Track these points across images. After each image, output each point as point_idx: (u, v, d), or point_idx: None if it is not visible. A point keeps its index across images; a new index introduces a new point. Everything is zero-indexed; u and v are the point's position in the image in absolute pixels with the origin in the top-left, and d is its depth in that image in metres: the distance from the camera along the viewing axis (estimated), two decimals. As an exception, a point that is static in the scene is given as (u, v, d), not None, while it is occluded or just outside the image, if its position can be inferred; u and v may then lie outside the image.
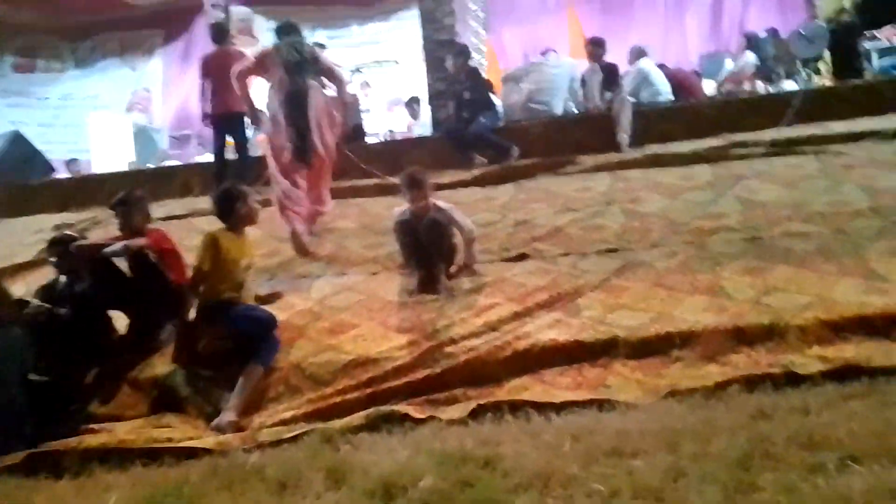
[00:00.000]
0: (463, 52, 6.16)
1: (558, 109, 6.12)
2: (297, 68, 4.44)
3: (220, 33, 6.20)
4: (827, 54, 6.78)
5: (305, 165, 4.39)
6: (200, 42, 12.70)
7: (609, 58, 6.08)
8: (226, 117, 5.86)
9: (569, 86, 6.19)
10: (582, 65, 6.47)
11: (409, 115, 9.15)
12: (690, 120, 5.73)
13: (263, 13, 12.52)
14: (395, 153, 6.22)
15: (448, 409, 2.60)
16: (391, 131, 10.67)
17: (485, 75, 8.55)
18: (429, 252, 3.53)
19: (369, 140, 7.58)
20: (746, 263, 3.30)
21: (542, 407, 2.47)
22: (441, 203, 3.63)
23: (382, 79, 12.55)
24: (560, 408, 2.44)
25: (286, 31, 4.71)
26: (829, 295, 2.84)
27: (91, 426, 2.74)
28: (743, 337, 2.72)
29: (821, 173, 4.33)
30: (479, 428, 2.39)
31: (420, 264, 3.58)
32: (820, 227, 3.63)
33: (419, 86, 10.57)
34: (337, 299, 3.61)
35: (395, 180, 5.39)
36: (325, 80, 4.60)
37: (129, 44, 13.45)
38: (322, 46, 5.97)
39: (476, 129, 5.70)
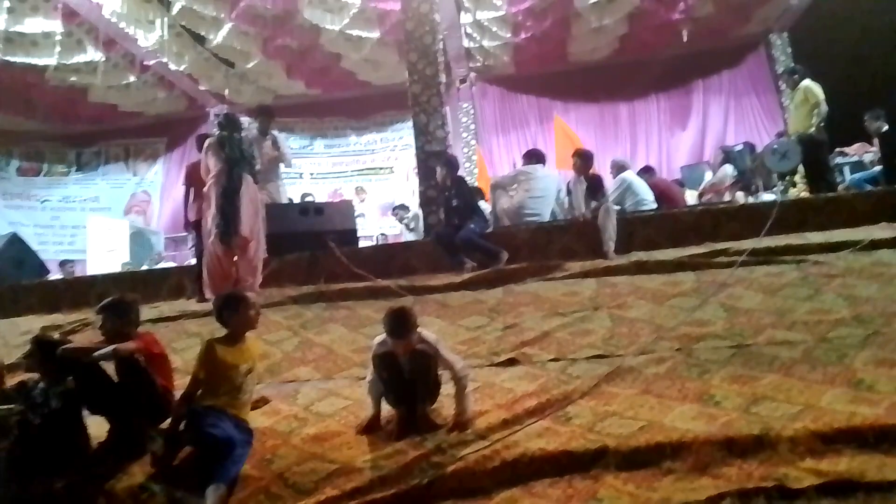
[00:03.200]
0: (450, 164, 6.44)
1: (546, 217, 6.32)
2: (235, 164, 5.39)
3: (202, 142, 6.46)
4: (802, 168, 7.12)
5: (228, 247, 5.36)
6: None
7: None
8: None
9: (556, 195, 6.43)
10: (567, 174, 6.77)
11: (396, 220, 9.44)
12: (673, 227, 5.92)
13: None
14: (387, 256, 6.35)
15: (436, 523, 2.52)
16: (384, 234, 10.92)
17: (475, 183, 8.90)
18: (412, 388, 3.13)
19: (363, 244, 7.74)
20: (734, 371, 3.31)
21: (531, 521, 2.39)
22: (425, 333, 3.27)
23: (377, 185, 13.02)
24: (550, 523, 2.37)
25: (229, 126, 5.60)
26: (818, 404, 2.84)
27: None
28: (734, 448, 2.68)
29: (802, 282, 4.43)
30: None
31: (400, 401, 3.17)
32: (804, 335, 3.67)
33: (411, 192, 10.98)
34: (323, 405, 3.56)
35: (386, 283, 5.52)
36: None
37: (134, 150, 13.97)
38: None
39: (465, 235, 5.86)
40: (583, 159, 6.23)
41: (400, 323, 3.17)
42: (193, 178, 6.12)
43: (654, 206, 6.54)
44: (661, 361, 3.56)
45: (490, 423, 3.04)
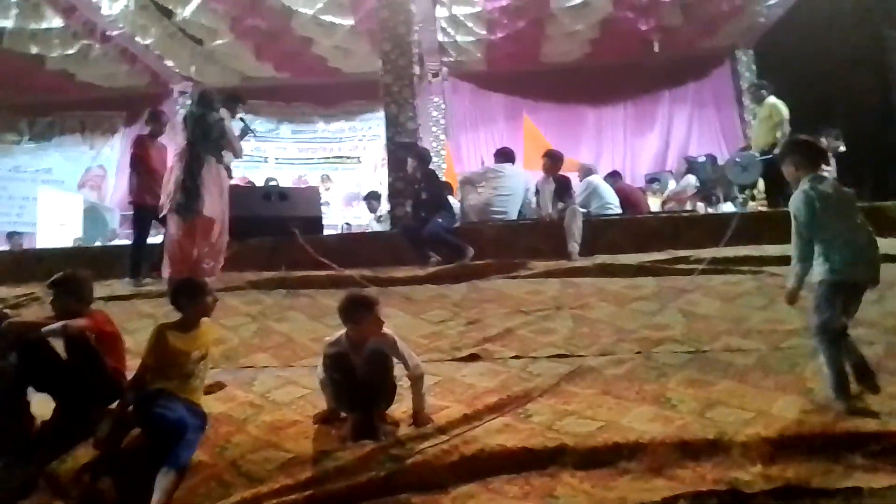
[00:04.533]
0: (421, 156, 6.41)
1: (513, 215, 6.35)
2: (197, 142, 5.28)
3: (155, 119, 6.29)
4: (761, 182, 7.32)
5: (188, 226, 5.23)
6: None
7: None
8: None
9: (524, 194, 6.46)
10: (535, 175, 6.81)
11: (367, 209, 9.33)
12: (636, 232, 6.03)
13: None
14: (352, 246, 6.28)
15: (392, 516, 2.49)
16: (348, 224, 10.82)
17: (443, 178, 8.87)
18: (367, 390, 2.92)
19: (327, 232, 7.65)
20: (690, 375, 3.38)
21: (487, 517, 2.39)
22: (385, 329, 3.10)
23: (343, 175, 12.86)
24: (507, 519, 2.37)
25: (200, 103, 5.49)
26: (770, 411, 2.91)
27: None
28: (688, 450, 2.73)
29: (758, 292, 4.55)
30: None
31: (354, 405, 2.95)
32: (758, 343, 3.77)
33: (378, 183, 10.88)
34: (280, 393, 3.48)
35: (350, 273, 5.45)
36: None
37: (90, 123, 13.47)
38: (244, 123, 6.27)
39: (432, 229, 5.84)
40: (553, 160, 6.28)
41: (360, 306, 3.05)
42: (139, 155, 5.96)
43: (619, 210, 6.64)
44: (620, 363, 3.61)
45: (450, 418, 3.02)
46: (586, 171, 6.78)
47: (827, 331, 2.89)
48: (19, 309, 5.13)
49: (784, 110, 6.86)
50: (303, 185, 11.55)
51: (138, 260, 5.90)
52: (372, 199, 9.31)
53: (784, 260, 4.99)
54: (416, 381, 3.04)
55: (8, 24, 9.95)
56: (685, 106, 12.23)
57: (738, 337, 3.87)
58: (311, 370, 3.77)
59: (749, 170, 6.93)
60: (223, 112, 6.42)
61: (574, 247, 5.55)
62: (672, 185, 8.74)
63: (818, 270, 2.96)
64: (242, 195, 6.43)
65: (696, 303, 4.41)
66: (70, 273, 3.29)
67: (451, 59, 12.14)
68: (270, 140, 12.92)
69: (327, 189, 12.29)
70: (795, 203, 3.06)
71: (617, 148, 12.14)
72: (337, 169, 12.94)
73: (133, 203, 6.14)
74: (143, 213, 6.00)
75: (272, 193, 6.69)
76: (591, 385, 3.35)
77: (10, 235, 9.89)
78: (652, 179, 9.53)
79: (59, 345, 3.12)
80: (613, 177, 7.83)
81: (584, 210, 6.01)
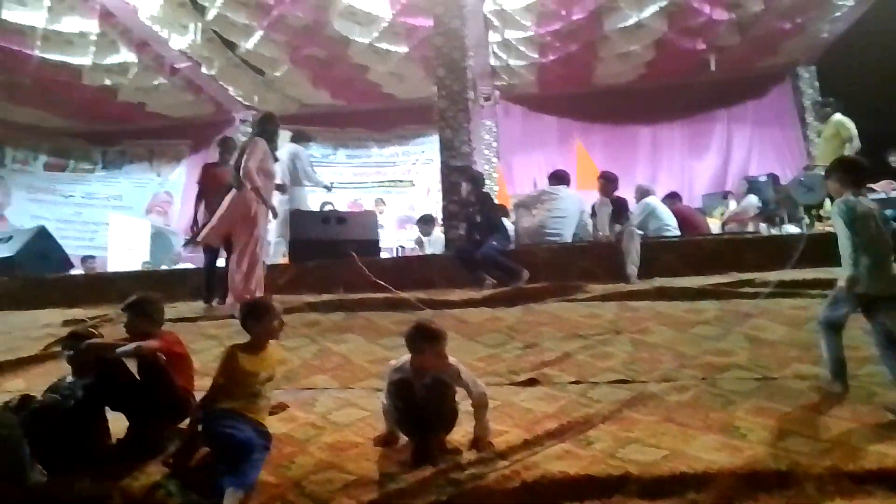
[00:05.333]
0: (475, 179, 6.45)
1: (568, 238, 6.31)
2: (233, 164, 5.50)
3: (225, 145, 6.45)
4: (828, 202, 7.05)
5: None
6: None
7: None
8: None
9: (578, 216, 6.42)
10: (589, 197, 6.76)
11: (420, 232, 9.41)
12: (695, 254, 5.89)
13: (288, 131, 13.21)
14: (407, 268, 6.35)
15: (453, 541, 2.48)
16: (402, 247, 10.94)
17: (496, 200, 8.89)
18: (426, 417, 2.95)
19: (383, 255, 7.76)
20: (759, 403, 3.26)
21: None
22: (450, 359, 3.10)
23: (396, 198, 13.06)
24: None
25: (253, 126, 5.88)
26: (849, 442, 2.78)
27: (77, 536, 2.61)
28: (759, 482, 2.63)
29: (828, 316, 4.36)
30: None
31: (414, 431, 3.00)
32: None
33: (431, 206, 10.99)
34: (340, 415, 3.53)
35: (405, 295, 5.51)
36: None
37: (158, 151, 14.13)
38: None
39: (486, 251, 5.85)
40: (608, 181, 6.22)
41: (423, 338, 3.04)
42: (206, 182, 6.12)
43: (678, 232, 6.51)
44: (683, 390, 3.51)
45: (510, 443, 3.00)
46: (643, 193, 6.69)
47: (830, 325, 3.33)
48: (97, 330, 5.39)
49: (851, 127, 6.64)
50: (357, 209, 11.78)
51: (209, 284, 5.96)
52: (425, 222, 9.40)
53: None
54: (481, 409, 3.04)
55: (87, 60, 10.59)
56: (744, 125, 11.95)
57: (808, 364, 3.71)
58: (370, 392, 3.83)
59: (815, 190, 6.70)
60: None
61: (632, 269, 5.46)
62: (732, 205, 8.52)
63: (843, 273, 3.27)
64: (302, 219, 6.60)
65: (763, 328, 4.26)
66: (142, 296, 3.43)
67: (504, 83, 12.24)
68: (326, 165, 13.25)
69: (381, 212, 12.49)
70: (833, 213, 3.51)
71: (673, 169, 11.93)
72: (390, 192, 13.15)
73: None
74: None
75: (331, 217, 6.85)
76: (654, 412, 3.27)
77: (84, 259, 10.40)
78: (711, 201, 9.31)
79: (132, 364, 3.26)
80: (672, 198, 7.69)
81: (641, 232, 5.92)
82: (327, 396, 3.83)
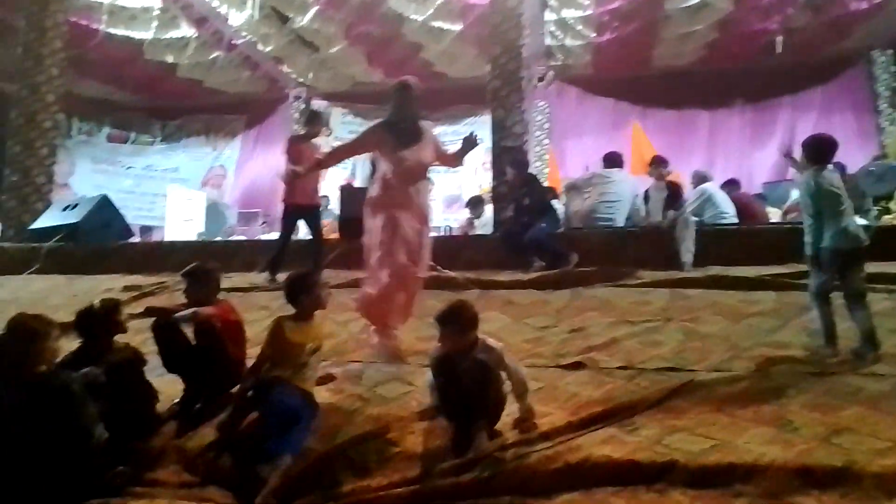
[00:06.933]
0: (518, 163, 6.38)
1: (620, 223, 6.19)
2: None
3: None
4: (897, 193, 6.73)
5: None
6: (277, 128, 13.66)
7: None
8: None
9: (632, 200, 6.29)
10: (643, 181, 6.61)
11: (470, 214, 9.38)
12: (753, 244, 5.70)
13: (341, 108, 13.39)
14: (455, 249, 6.35)
15: (495, 518, 2.50)
16: (450, 227, 10.96)
17: (545, 182, 8.80)
18: (468, 401, 2.85)
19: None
20: (814, 398, 3.15)
21: (593, 528, 2.34)
22: (490, 341, 3.00)
23: (445, 178, 13.05)
24: (613, 532, 2.31)
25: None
26: (909, 442, 2.67)
27: (135, 489, 2.73)
28: (812, 478, 2.54)
29: (893, 312, 4.19)
30: (525, 541, 2.28)
31: (453, 415, 2.91)
32: (892, 367, 3.46)
33: (478, 187, 10.95)
34: (386, 388, 3.57)
35: (453, 274, 5.52)
36: None
37: (214, 126, 14.50)
38: None
39: (535, 234, 5.80)
40: (661, 165, 6.06)
41: (455, 316, 2.96)
42: (291, 156, 5.86)
43: (735, 220, 6.30)
44: (735, 381, 3.42)
45: (553, 425, 2.99)
46: (701, 179, 6.49)
47: (819, 293, 3.70)
48: (151, 297, 5.60)
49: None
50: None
51: (279, 258, 5.87)
52: (474, 205, 9.36)
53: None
54: (522, 395, 3.01)
55: (148, 35, 10.88)
56: (811, 112, 11.42)
57: (870, 360, 3.57)
58: (416, 368, 3.86)
59: (885, 180, 6.39)
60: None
61: (688, 257, 5.33)
62: (794, 195, 8.17)
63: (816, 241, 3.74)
64: (352, 196, 6.66)
65: (822, 321, 4.10)
66: (201, 265, 3.54)
67: (558, 63, 12.02)
68: (377, 143, 13.32)
69: (429, 192, 12.51)
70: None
71: (732, 156, 11.53)
72: (438, 172, 13.14)
73: (284, 202, 6.12)
74: (291, 212, 6.02)
75: (380, 194, 6.86)
76: (703, 402, 3.19)
77: (143, 229, 10.80)
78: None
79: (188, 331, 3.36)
80: (731, 185, 7.43)
81: (696, 219, 5.76)
82: (374, 370, 3.88)
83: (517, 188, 6.30)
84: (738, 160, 11.45)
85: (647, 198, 6.13)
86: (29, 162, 8.34)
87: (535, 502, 2.62)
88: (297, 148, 6.03)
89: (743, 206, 6.63)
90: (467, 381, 2.85)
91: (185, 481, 2.89)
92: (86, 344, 3.17)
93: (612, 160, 6.59)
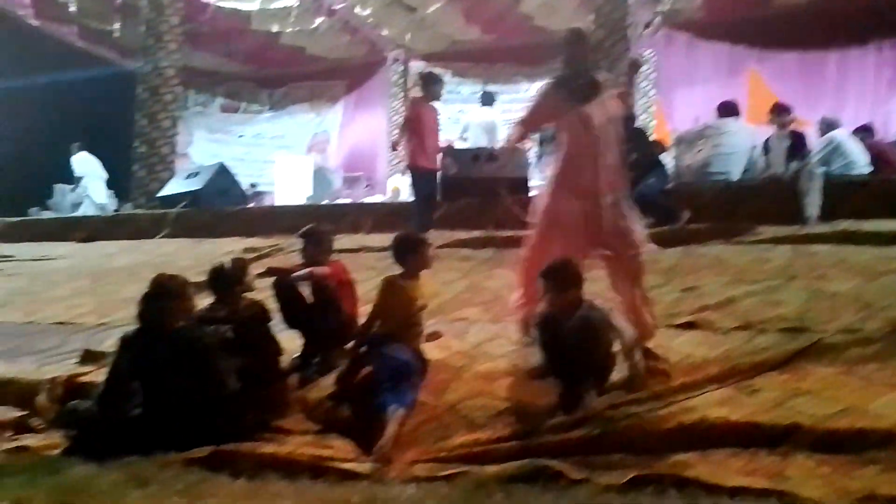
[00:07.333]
0: (626, 117, 6.08)
1: (736, 176, 5.84)
2: None
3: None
4: None
5: None
6: (376, 92, 13.87)
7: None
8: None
9: (749, 152, 5.90)
10: (763, 131, 6.16)
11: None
12: (889, 195, 5.21)
13: (439, 69, 13.29)
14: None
15: (605, 474, 2.49)
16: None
17: (652, 136, 8.41)
18: (573, 360, 2.83)
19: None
20: (957, 362, 2.88)
21: (710, 489, 2.29)
22: (597, 301, 2.99)
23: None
24: (732, 493, 2.25)
25: None
26: None
27: (265, 435, 2.95)
28: (956, 446, 2.35)
29: None
30: (637, 498, 2.26)
31: (560, 373, 2.90)
32: None
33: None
34: (492, 346, 3.62)
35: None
36: None
37: (317, 92, 14.90)
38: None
39: (643, 190, 5.57)
40: (784, 112, 5.63)
41: (557, 273, 2.93)
42: (412, 119, 6.05)
43: (869, 170, 5.76)
44: (868, 342, 3.18)
45: (667, 385, 2.92)
46: (829, 126, 5.94)
47: None
48: (267, 258, 5.94)
49: None
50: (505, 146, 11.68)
51: (423, 219, 5.92)
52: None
53: None
54: (630, 355, 2.92)
55: (255, 6, 11.30)
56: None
57: None
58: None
59: None
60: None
61: (812, 211, 4.96)
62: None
63: None
64: (453, 157, 6.68)
65: (972, 280, 3.72)
66: (316, 226, 3.71)
67: (666, 9, 11.31)
68: (474, 103, 13.21)
69: (529, 149, 12.30)
70: None
71: (865, 100, 10.46)
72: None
73: (409, 166, 6.23)
74: (418, 175, 6.11)
75: (481, 155, 6.86)
76: (831, 364, 3.00)
77: (255, 194, 11.39)
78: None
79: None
80: (864, 132, 6.76)
81: (823, 169, 5.32)
82: (479, 328, 3.94)
83: (623, 143, 6.05)
84: (873, 105, 10.37)
85: (767, 148, 5.71)
86: (154, 134, 9.01)
87: (645, 459, 2.58)
88: (417, 111, 6.08)
89: (878, 155, 6.04)
90: (572, 340, 2.83)
91: (308, 429, 3.09)
92: (217, 300, 3.42)
93: (728, 109, 6.17)
